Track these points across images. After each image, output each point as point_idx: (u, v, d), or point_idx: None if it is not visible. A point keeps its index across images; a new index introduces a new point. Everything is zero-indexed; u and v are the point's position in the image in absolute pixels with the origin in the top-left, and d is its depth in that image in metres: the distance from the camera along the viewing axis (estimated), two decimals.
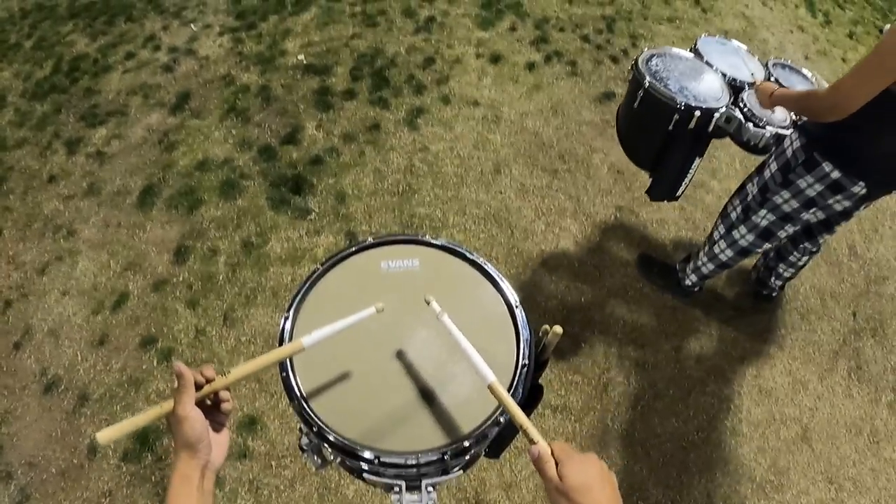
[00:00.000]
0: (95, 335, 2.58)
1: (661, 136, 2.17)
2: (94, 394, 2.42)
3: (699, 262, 2.53)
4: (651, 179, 2.44)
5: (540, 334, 1.08)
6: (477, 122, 3.42)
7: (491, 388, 0.85)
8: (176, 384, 0.81)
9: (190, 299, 2.66)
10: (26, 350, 2.57)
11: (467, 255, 1.19)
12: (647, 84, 2.12)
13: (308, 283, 1.13)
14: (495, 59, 3.82)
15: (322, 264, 1.17)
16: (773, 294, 2.74)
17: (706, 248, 2.47)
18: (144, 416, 0.80)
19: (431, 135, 3.34)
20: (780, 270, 2.58)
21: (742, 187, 2.27)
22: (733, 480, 2.29)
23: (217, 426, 0.85)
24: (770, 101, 1.99)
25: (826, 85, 1.91)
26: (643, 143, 2.35)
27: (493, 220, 2.97)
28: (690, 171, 2.27)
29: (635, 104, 2.20)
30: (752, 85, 2.24)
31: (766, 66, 2.42)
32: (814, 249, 2.45)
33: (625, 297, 2.74)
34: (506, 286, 1.14)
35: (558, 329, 1.04)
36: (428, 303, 0.98)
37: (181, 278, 2.73)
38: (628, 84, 2.32)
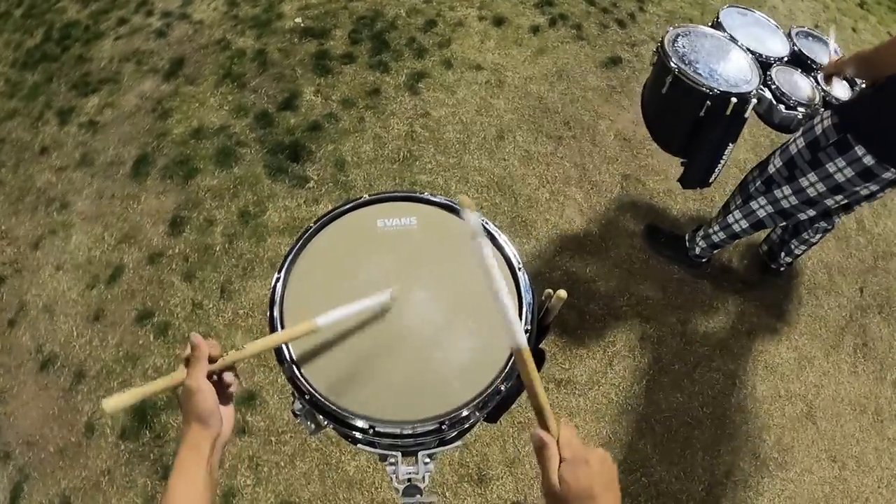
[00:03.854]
0: (91, 310, 2.54)
1: (692, 122, 2.07)
2: (90, 370, 2.39)
3: (710, 231, 2.45)
4: (683, 168, 2.34)
5: (543, 298, 1.04)
6: (480, 87, 3.31)
7: (518, 356, 0.70)
8: (184, 356, 0.80)
9: (186, 272, 2.61)
10: (21, 327, 2.53)
11: None
12: (677, 70, 2.01)
13: (300, 241, 1.07)
14: (498, 21, 3.69)
15: (315, 222, 1.10)
16: (782, 269, 2.67)
17: (720, 218, 2.40)
18: (152, 386, 0.78)
19: (433, 100, 3.24)
20: (792, 247, 2.50)
21: (765, 161, 2.19)
22: (737, 457, 2.26)
23: (223, 400, 0.83)
24: (840, 68, 1.95)
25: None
26: (672, 128, 2.25)
27: (496, 187, 2.89)
28: (724, 156, 2.16)
29: (664, 89, 2.08)
30: (779, 61, 2.17)
31: (788, 35, 2.32)
32: (829, 227, 2.37)
33: (630, 269, 2.67)
34: (508, 247, 1.09)
35: (562, 293, 1.00)
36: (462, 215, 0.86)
37: (177, 250, 2.68)
38: (653, 66, 2.21)
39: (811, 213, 2.11)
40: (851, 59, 1.91)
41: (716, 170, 2.22)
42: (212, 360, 0.81)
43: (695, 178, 2.31)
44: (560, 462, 0.68)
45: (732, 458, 2.26)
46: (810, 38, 2.32)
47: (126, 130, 3.18)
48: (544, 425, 0.70)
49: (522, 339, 0.70)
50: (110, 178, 2.98)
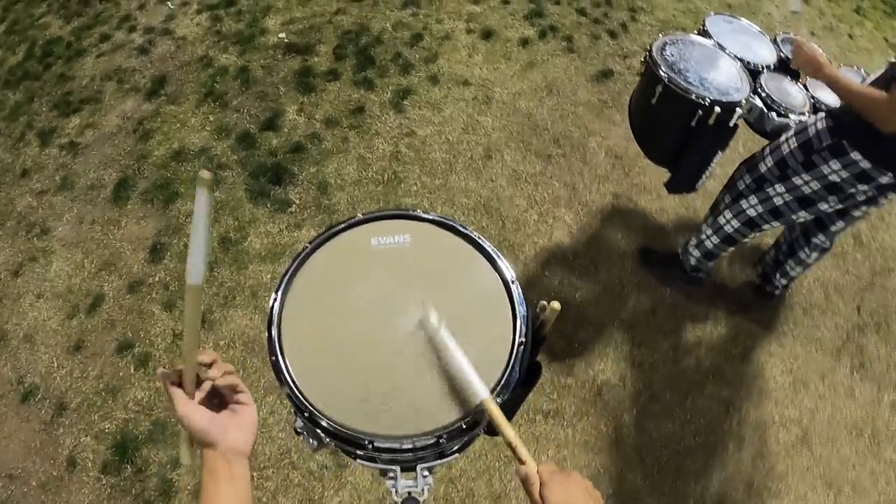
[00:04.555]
0: (71, 340, 2.49)
1: (683, 131, 2.05)
2: (71, 403, 2.34)
3: (703, 237, 2.38)
4: (670, 173, 2.31)
5: (537, 310, 1.05)
6: (467, 104, 3.26)
7: (483, 405, 0.85)
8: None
9: (166, 301, 2.56)
10: (2, 357, 2.48)
11: (460, 229, 1.14)
12: (667, 79, 1.99)
13: (296, 261, 1.09)
14: (486, 34, 3.64)
15: (311, 242, 1.12)
16: (776, 293, 2.60)
17: (710, 220, 2.34)
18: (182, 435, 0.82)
19: (418, 118, 3.18)
20: (788, 268, 2.44)
21: (754, 159, 2.15)
22: (730, 487, 2.21)
23: (235, 406, 0.83)
24: (817, 73, 1.85)
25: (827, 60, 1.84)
26: (662, 139, 2.23)
27: (483, 209, 2.84)
28: (712, 163, 2.17)
29: (653, 100, 2.06)
30: (768, 68, 2.18)
31: (774, 41, 2.33)
32: (826, 246, 2.31)
33: (621, 293, 2.62)
34: (501, 261, 1.10)
35: (556, 305, 1.00)
36: (426, 316, 0.96)
37: (157, 278, 2.63)
38: (642, 76, 2.19)
39: (804, 215, 2.06)
40: (828, 77, 1.84)
41: (703, 176, 2.22)
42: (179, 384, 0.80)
43: (681, 183, 2.31)
44: (541, 487, 0.75)
45: (725, 488, 2.20)
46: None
47: (107, 152, 3.12)
48: (521, 461, 0.80)
49: (483, 391, 0.86)
50: (91, 203, 2.92)
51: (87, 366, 2.42)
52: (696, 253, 2.46)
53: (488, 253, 1.11)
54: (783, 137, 2.02)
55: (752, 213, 2.15)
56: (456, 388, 0.95)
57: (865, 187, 1.85)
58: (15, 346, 2.50)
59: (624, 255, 2.72)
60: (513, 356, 0.98)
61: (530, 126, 3.17)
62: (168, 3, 3.98)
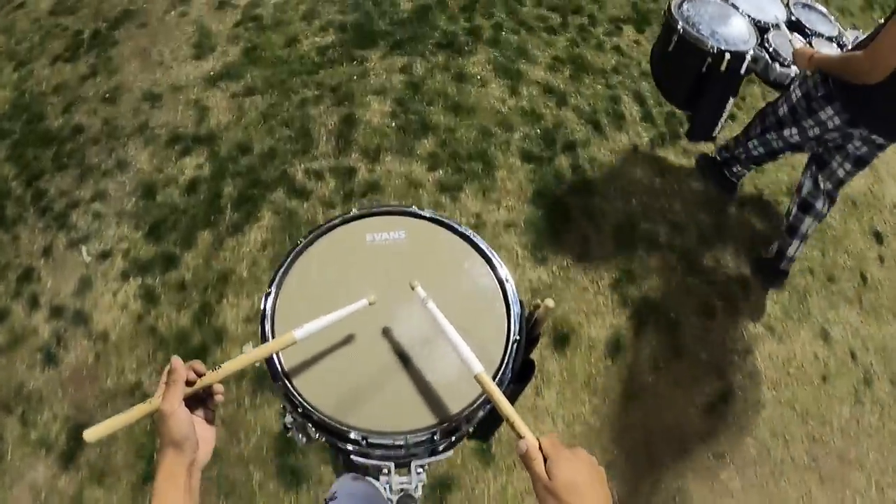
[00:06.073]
0: None
1: (695, 77, 2.37)
2: None
3: (736, 151, 2.69)
4: (689, 122, 2.71)
5: (531, 309, 1.06)
6: None
7: (478, 379, 0.83)
8: (163, 380, 0.78)
9: None
10: None
11: (456, 227, 1.17)
12: (681, 29, 2.30)
13: (290, 257, 1.09)
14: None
15: (305, 237, 1.12)
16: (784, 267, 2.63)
17: (741, 140, 2.63)
18: (132, 414, 0.77)
19: None
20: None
21: (775, 104, 2.42)
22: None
23: (203, 421, 0.82)
24: (809, 64, 2.10)
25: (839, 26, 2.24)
26: (677, 83, 2.55)
27: None
28: (725, 110, 2.46)
29: (670, 48, 2.39)
30: (776, 27, 2.42)
31: (786, 5, 2.56)
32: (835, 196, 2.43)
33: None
34: (496, 259, 1.11)
35: (550, 302, 1.02)
36: (413, 288, 0.95)
37: None
38: (661, 28, 2.51)
39: (813, 146, 2.34)
40: (817, 60, 2.08)
41: (719, 122, 2.53)
42: (192, 384, 0.80)
43: (700, 131, 2.66)
44: (545, 462, 0.72)
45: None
46: (807, 9, 2.57)
47: None
48: (519, 435, 0.76)
49: (477, 365, 0.83)
50: None
51: None
52: (726, 154, 2.77)
53: (483, 251, 1.12)
54: (792, 88, 2.28)
55: (774, 145, 2.47)
56: (450, 386, 0.96)
57: (856, 139, 2.15)
58: None
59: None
60: (507, 354, 0.99)
61: None
62: (83, 249, 2.63)
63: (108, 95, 3.15)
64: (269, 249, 2.57)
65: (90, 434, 0.75)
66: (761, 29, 2.40)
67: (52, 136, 3.01)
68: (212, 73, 3.23)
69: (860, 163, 2.26)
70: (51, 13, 3.68)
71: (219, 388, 0.83)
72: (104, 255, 2.59)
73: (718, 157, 2.84)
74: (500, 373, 0.97)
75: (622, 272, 2.60)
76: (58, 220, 2.71)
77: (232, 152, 2.88)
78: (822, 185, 2.37)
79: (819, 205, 2.40)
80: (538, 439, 0.75)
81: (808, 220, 2.44)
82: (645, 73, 3.30)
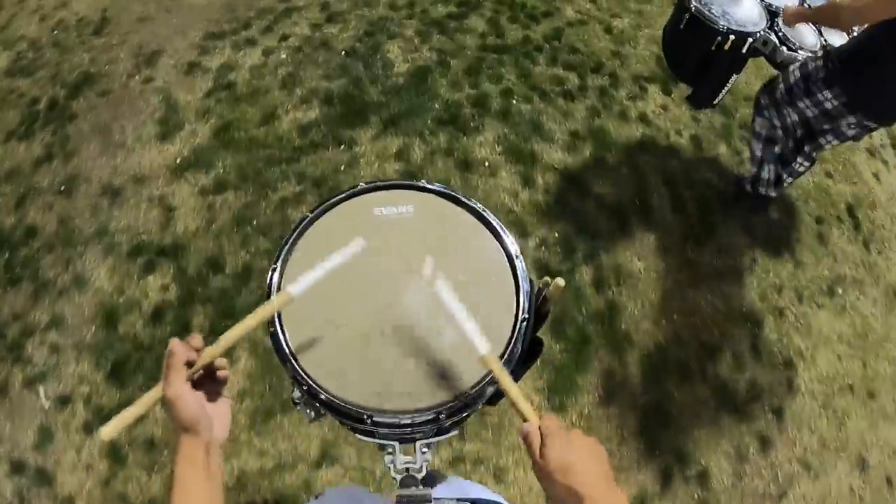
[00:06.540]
0: None
1: (704, 54, 2.47)
2: None
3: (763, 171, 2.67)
4: (692, 90, 2.82)
5: (541, 286, 1.04)
6: None
7: (484, 362, 0.82)
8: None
9: None
10: None
11: (465, 201, 1.12)
12: (694, 8, 2.39)
13: (296, 231, 1.06)
14: None
15: (311, 211, 1.10)
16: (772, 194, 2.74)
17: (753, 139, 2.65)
18: (141, 404, 0.75)
19: None
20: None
21: (770, 83, 2.50)
22: None
23: (213, 396, 0.80)
24: (793, 17, 2.27)
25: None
26: (687, 59, 2.67)
27: None
28: (728, 83, 2.60)
29: (682, 25, 2.49)
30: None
31: None
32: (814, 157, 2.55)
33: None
34: (505, 234, 1.08)
35: (560, 281, 1.00)
36: (421, 264, 0.93)
37: None
38: (675, 6, 2.60)
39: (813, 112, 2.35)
40: (798, 12, 2.27)
41: (721, 94, 2.67)
42: (194, 364, 0.77)
43: (702, 99, 2.83)
44: (542, 444, 0.73)
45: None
46: None
47: None
48: (524, 418, 0.78)
49: (483, 346, 0.82)
50: None
51: None
52: (754, 168, 2.70)
53: (492, 226, 1.09)
54: (790, 68, 2.35)
55: (778, 123, 2.49)
56: (457, 365, 0.94)
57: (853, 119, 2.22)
58: None
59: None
60: (515, 332, 0.95)
61: None
62: (41, 391, 2.34)
63: (63, 188, 2.81)
64: (247, 401, 2.22)
65: (106, 432, 0.73)
66: (772, 13, 2.48)
67: (4, 239, 2.68)
68: (178, 160, 2.85)
69: (848, 141, 2.41)
70: (7, 73, 3.35)
71: (221, 362, 0.80)
72: (63, 401, 2.27)
73: (753, 190, 2.77)
74: (508, 352, 0.94)
75: (648, 415, 2.35)
76: (12, 352, 2.39)
77: (202, 270, 2.53)
78: (803, 148, 2.51)
79: (792, 159, 2.55)
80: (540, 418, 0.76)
81: (772, 161, 2.59)
82: (674, 146, 3.07)
